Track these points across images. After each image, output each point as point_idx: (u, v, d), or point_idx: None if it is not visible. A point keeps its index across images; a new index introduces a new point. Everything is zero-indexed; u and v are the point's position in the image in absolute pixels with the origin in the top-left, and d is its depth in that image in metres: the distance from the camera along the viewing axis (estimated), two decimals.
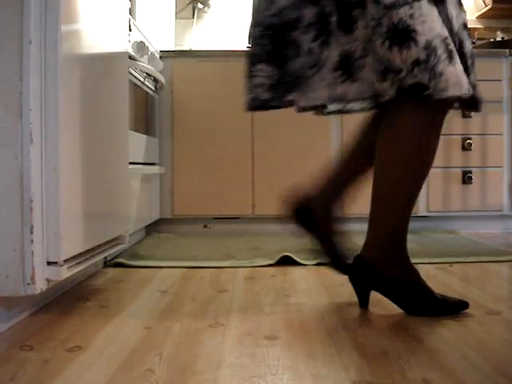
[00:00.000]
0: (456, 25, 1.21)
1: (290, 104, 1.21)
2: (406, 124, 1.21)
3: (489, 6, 3.22)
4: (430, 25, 1.11)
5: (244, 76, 1.25)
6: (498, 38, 3.17)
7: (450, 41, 1.13)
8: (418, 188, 1.25)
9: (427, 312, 1.22)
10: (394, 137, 1.22)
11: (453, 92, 1.11)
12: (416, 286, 1.24)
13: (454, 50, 1.14)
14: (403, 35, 1.11)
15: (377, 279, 1.25)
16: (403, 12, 1.11)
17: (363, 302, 1.29)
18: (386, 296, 1.26)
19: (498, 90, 2.75)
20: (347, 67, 1.17)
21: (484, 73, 2.76)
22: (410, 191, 1.24)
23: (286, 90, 1.20)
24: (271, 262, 1.88)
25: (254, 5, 1.25)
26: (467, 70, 1.19)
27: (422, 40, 1.10)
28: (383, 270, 1.24)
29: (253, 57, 1.23)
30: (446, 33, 1.13)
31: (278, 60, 1.20)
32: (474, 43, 3.19)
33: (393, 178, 1.23)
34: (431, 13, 1.12)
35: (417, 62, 1.10)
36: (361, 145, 1.38)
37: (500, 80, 2.75)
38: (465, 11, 1.29)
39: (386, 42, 1.12)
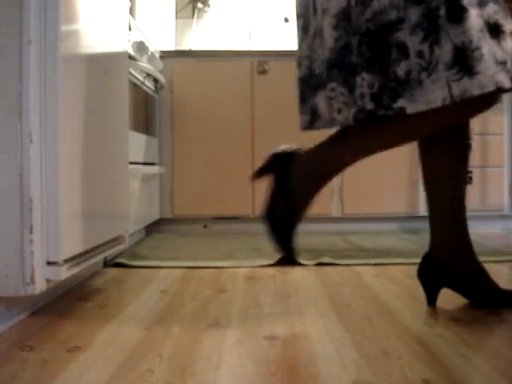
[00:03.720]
0: None
1: (400, 111, 1.11)
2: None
3: None
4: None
5: (345, 89, 1.18)
6: None
7: None
8: None
9: (496, 303, 1.29)
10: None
11: None
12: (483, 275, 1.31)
13: None
14: (496, 29, 1.10)
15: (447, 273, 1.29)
16: (493, 7, 1.11)
17: (432, 299, 1.31)
18: (455, 290, 1.30)
19: None
20: (463, 61, 1.06)
21: None
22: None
23: (392, 96, 1.11)
24: (271, 261, 1.88)
25: (344, 9, 1.16)
26: None
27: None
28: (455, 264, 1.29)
29: (353, 67, 1.15)
30: None
31: (379, 66, 1.12)
32: None
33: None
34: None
35: None
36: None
37: None
38: None
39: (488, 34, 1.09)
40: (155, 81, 2.48)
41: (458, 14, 1.07)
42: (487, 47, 1.07)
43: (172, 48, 3.19)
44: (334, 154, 1.30)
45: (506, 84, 1.08)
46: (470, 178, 2.74)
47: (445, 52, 1.07)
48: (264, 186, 2.71)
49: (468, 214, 2.98)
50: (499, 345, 1.02)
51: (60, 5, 1.13)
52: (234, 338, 1.07)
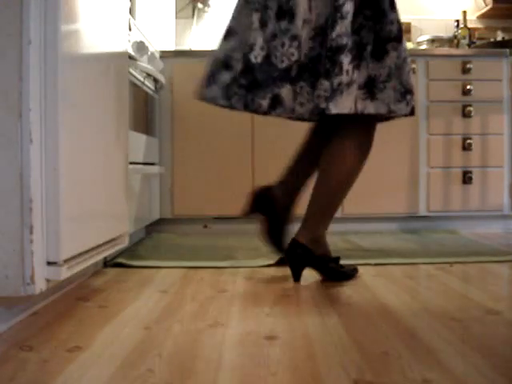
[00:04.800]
0: None
1: (328, 111, 1.43)
2: (351, 141, 1.55)
3: (489, 6, 3.22)
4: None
5: (311, 89, 1.51)
6: (499, 38, 3.17)
7: None
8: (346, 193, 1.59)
9: (342, 278, 1.61)
10: (341, 151, 1.55)
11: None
12: (334, 259, 1.63)
13: None
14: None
15: (311, 258, 1.58)
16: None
17: (297, 276, 1.59)
18: (318, 270, 1.61)
19: (498, 90, 2.75)
20: (371, 88, 1.46)
21: (484, 73, 2.76)
22: (344, 195, 1.58)
23: (327, 100, 1.43)
24: (271, 261, 1.88)
25: (322, 26, 1.47)
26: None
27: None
28: (315, 250, 1.58)
29: (318, 72, 1.47)
30: None
31: (328, 76, 1.43)
32: (473, 43, 3.19)
33: (337, 185, 1.57)
34: None
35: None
36: (308, 152, 1.79)
37: (500, 80, 2.75)
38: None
39: (410, 70, 1.49)
40: (155, 81, 2.48)
41: (380, 54, 1.46)
42: (395, 82, 1.47)
43: (172, 48, 3.19)
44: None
45: (403, 110, 1.49)
46: (470, 178, 2.74)
47: (361, 76, 1.46)
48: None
49: (468, 213, 2.98)
50: (499, 345, 1.02)
51: (60, 5, 1.13)
52: (234, 338, 1.07)
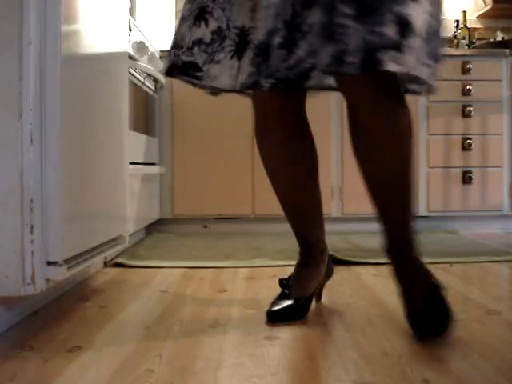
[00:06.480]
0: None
1: None
2: None
3: (489, 6, 3.21)
4: None
5: None
6: (498, 38, 3.17)
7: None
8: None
9: None
10: None
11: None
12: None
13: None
14: None
15: None
16: None
17: None
18: None
19: (497, 90, 2.75)
20: None
21: (484, 73, 2.76)
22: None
23: None
24: (271, 262, 1.87)
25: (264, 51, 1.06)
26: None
27: None
28: None
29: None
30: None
31: None
32: (473, 43, 3.19)
33: None
34: None
35: None
36: None
37: (500, 80, 2.75)
38: None
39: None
40: (155, 81, 2.48)
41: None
42: None
43: None
44: None
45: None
46: (470, 178, 2.75)
47: None
48: (264, 185, 2.71)
49: (468, 213, 2.98)
50: (499, 345, 1.02)
51: (60, 5, 1.13)
52: (234, 338, 1.07)
